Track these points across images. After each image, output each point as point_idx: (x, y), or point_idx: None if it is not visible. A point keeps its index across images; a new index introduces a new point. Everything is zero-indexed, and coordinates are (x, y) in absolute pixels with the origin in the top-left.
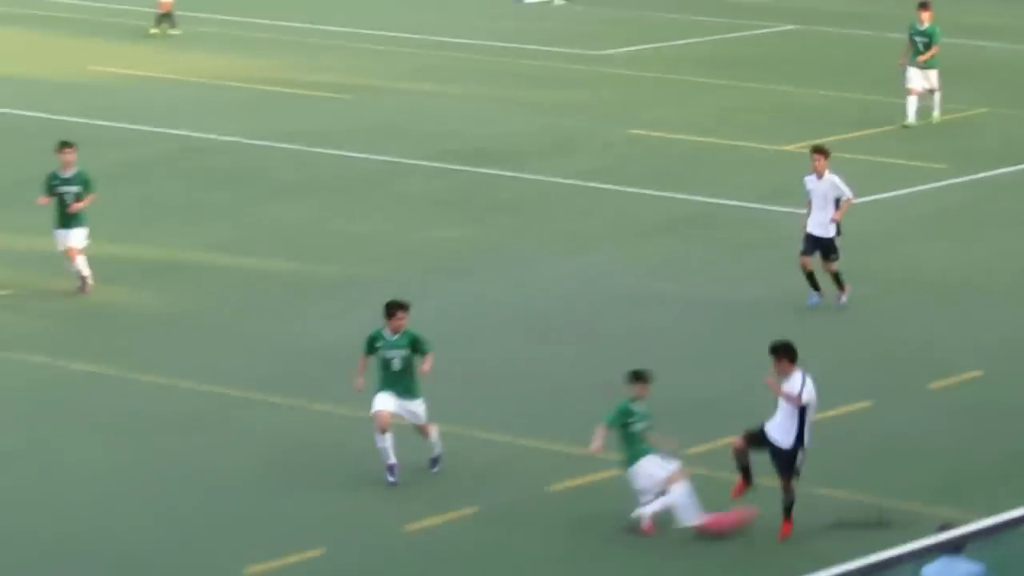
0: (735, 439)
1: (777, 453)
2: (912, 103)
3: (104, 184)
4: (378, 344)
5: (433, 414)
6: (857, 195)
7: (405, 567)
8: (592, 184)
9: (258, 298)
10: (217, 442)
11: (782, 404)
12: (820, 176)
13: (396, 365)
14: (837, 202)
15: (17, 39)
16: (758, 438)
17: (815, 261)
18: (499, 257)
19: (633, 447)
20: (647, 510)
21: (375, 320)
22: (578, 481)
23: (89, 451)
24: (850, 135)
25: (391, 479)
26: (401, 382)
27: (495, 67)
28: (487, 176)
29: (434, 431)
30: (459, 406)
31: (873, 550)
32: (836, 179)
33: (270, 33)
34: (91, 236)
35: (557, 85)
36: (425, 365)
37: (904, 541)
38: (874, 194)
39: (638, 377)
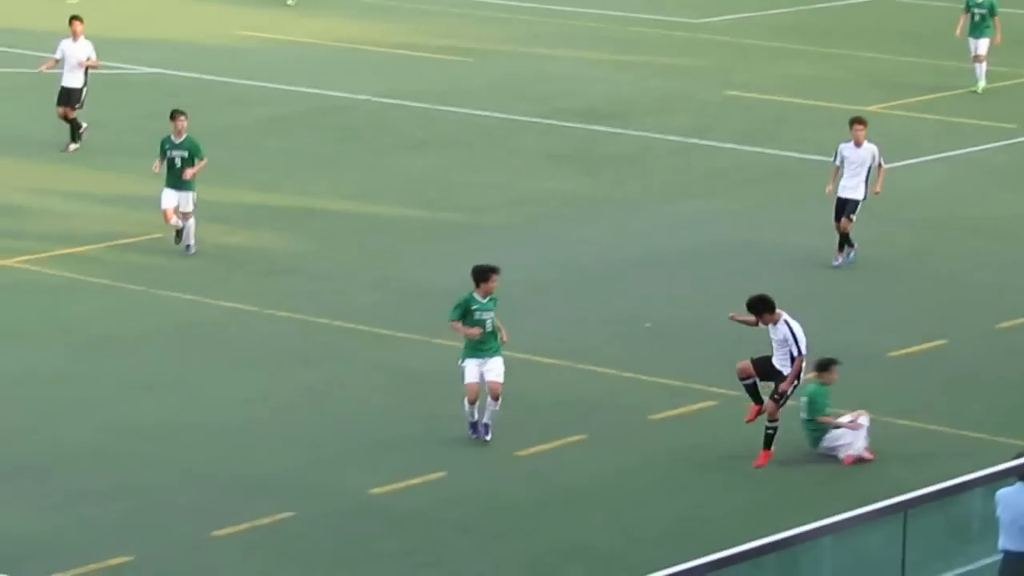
0: (741, 362)
1: (782, 380)
2: (977, 69)
3: (249, 138)
4: (473, 308)
5: (543, 349)
6: (934, 152)
7: (518, 488)
8: (691, 140)
9: (386, 242)
10: (347, 373)
11: (776, 345)
12: (859, 145)
13: (488, 326)
14: (867, 171)
15: (171, 6)
16: (763, 367)
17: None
18: (605, 206)
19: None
20: (854, 450)
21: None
22: (678, 411)
23: (229, 381)
24: (926, 97)
25: (473, 435)
26: (490, 343)
27: (604, 33)
28: (595, 132)
29: (499, 403)
30: (568, 342)
31: (948, 476)
32: (875, 149)
33: (399, 1)
34: (237, 185)
35: (660, 50)
36: (504, 334)
37: (977, 468)
38: (949, 151)
39: (831, 365)
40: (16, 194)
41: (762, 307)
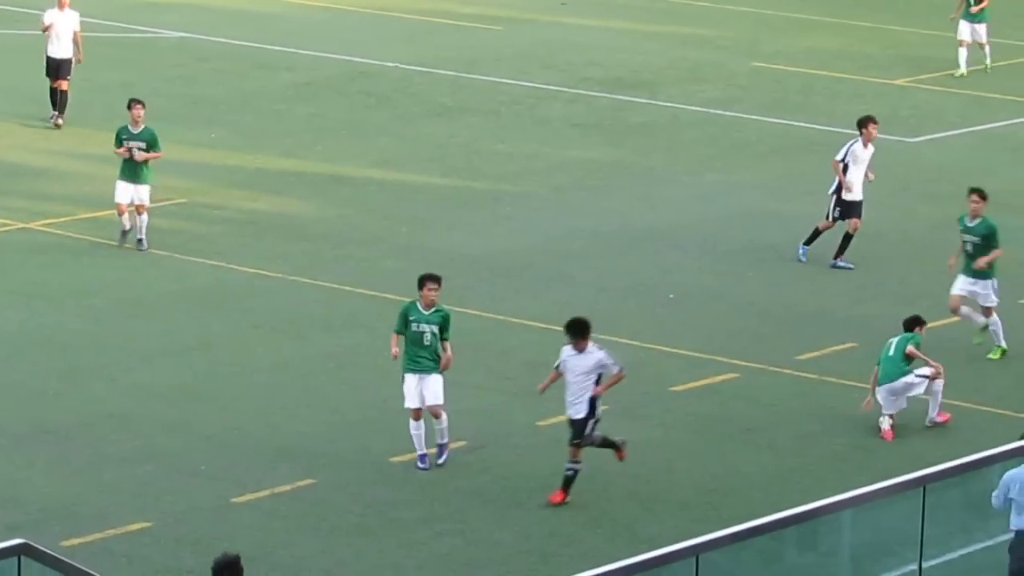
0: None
1: (573, 424)
2: (962, 54)
3: (276, 103)
4: (412, 317)
5: (567, 319)
6: (959, 126)
7: (538, 458)
8: (717, 111)
9: (412, 210)
10: (370, 341)
11: (571, 380)
12: (866, 145)
13: (428, 339)
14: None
15: None
16: (577, 433)
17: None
18: (631, 176)
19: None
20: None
21: (519, 232)
22: (699, 382)
23: (252, 348)
24: (953, 71)
25: (422, 466)
26: (429, 357)
27: (631, 3)
28: (622, 102)
29: (444, 417)
30: (591, 312)
31: (968, 451)
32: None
33: None
34: (264, 152)
35: (688, 20)
36: (446, 357)
37: (998, 443)
38: (975, 125)
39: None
40: (39, 157)
41: (584, 330)
